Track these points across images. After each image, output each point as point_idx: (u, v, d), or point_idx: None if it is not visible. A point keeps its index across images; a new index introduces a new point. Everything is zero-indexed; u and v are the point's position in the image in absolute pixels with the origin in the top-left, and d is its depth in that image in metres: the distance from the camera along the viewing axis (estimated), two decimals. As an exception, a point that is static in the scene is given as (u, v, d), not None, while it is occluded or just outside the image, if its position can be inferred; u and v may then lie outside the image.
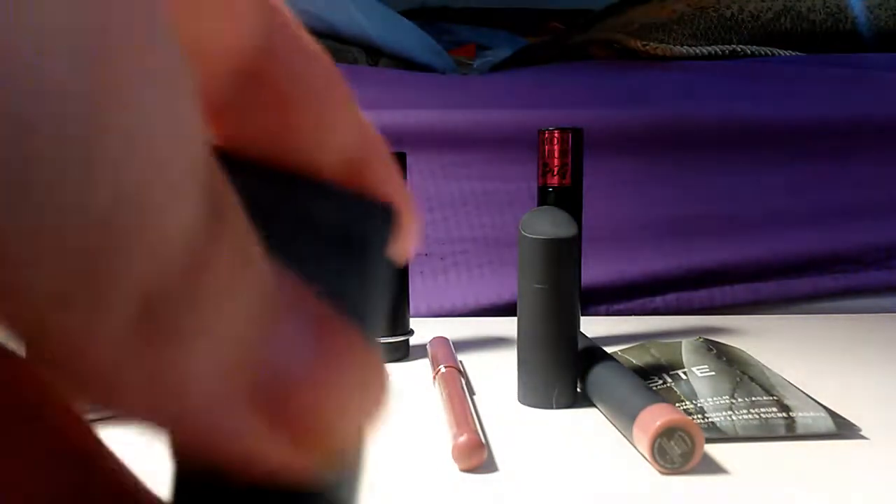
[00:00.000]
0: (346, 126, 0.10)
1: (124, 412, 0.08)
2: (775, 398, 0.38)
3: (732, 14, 0.91)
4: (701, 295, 0.68)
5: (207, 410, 0.08)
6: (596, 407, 0.40)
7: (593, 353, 0.41)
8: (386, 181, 0.11)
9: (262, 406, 0.08)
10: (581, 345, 0.42)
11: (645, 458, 0.33)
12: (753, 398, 0.38)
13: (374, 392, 0.09)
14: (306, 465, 0.08)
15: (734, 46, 0.90)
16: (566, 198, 0.48)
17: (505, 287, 0.66)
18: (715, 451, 0.34)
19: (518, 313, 0.40)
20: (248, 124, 0.10)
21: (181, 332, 0.07)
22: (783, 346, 0.53)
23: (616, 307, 0.67)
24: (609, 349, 0.50)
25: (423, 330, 0.57)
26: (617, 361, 0.40)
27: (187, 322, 0.07)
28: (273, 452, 0.08)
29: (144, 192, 0.07)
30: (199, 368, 0.07)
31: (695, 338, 0.48)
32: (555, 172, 0.48)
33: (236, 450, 0.08)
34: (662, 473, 0.32)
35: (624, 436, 0.36)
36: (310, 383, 0.08)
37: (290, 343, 0.08)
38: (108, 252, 0.06)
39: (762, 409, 0.37)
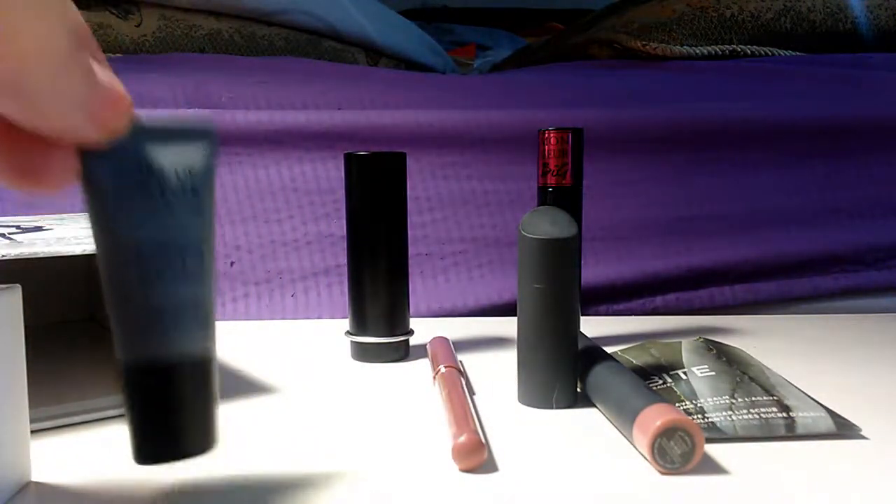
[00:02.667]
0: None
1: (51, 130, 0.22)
2: (775, 398, 0.38)
3: (732, 14, 0.91)
4: (701, 295, 0.68)
5: (71, 125, 0.22)
6: (596, 407, 0.40)
7: (593, 353, 0.41)
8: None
9: (90, 116, 0.22)
10: (581, 345, 0.42)
11: (645, 458, 0.33)
12: (753, 398, 0.38)
13: (123, 111, 0.23)
14: (106, 135, 0.23)
15: (734, 46, 0.90)
16: (566, 198, 0.48)
17: (505, 287, 0.66)
18: (715, 451, 0.34)
19: (518, 313, 0.40)
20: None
21: (56, 98, 0.21)
22: (783, 346, 0.53)
23: (616, 307, 0.67)
24: (609, 349, 0.50)
25: (423, 330, 0.57)
26: (617, 361, 0.40)
27: (57, 93, 0.21)
28: (95, 132, 0.23)
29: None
30: (67, 107, 0.21)
31: (695, 338, 0.48)
32: (555, 172, 0.48)
33: (85, 135, 0.23)
34: (662, 473, 0.32)
35: (624, 436, 0.36)
36: (103, 109, 0.23)
37: (98, 97, 0.22)
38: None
39: (762, 409, 0.37)
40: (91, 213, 0.27)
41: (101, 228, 0.27)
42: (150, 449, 0.28)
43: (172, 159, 0.28)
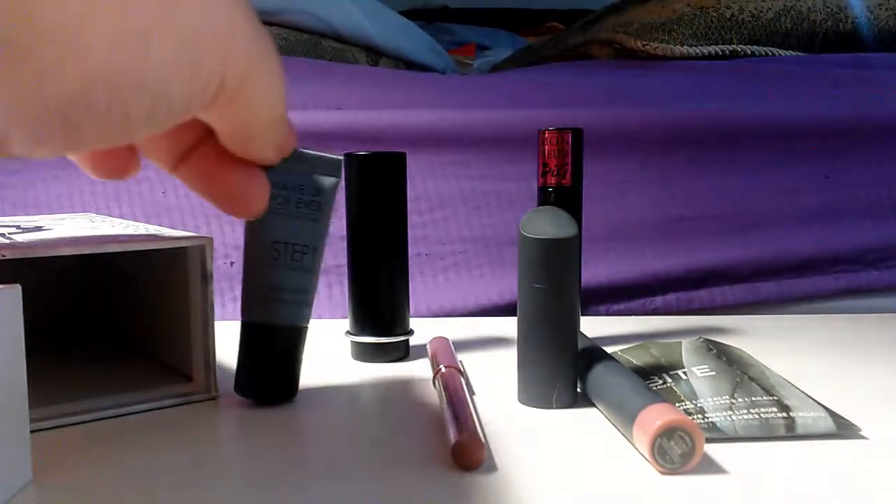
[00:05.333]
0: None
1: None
2: (775, 398, 0.38)
3: (732, 14, 0.91)
4: (701, 295, 0.68)
5: (266, 157, 0.29)
6: (596, 407, 0.40)
7: (593, 353, 0.41)
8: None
9: (278, 150, 0.29)
10: (581, 345, 0.42)
11: (645, 458, 0.33)
12: (753, 398, 0.38)
13: (294, 142, 0.31)
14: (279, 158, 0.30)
15: (734, 46, 0.90)
16: (566, 198, 0.48)
17: (505, 287, 0.66)
18: (715, 451, 0.34)
19: (518, 313, 0.40)
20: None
21: None
22: (783, 346, 0.53)
23: (616, 307, 0.67)
24: (609, 349, 0.50)
25: (423, 330, 0.57)
26: (617, 361, 0.40)
27: (266, 141, 0.29)
28: (276, 157, 0.30)
29: None
30: (270, 150, 0.29)
31: (695, 338, 0.48)
32: (555, 172, 0.48)
33: (268, 159, 0.30)
34: (662, 473, 0.32)
35: (624, 436, 0.36)
36: (286, 144, 0.30)
37: (287, 137, 0.30)
38: None
39: (762, 409, 0.37)
40: None
41: (251, 226, 0.39)
42: (244, 385, 0.40)
43: (307, 181, 0.40)
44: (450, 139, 0.68)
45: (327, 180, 0.40)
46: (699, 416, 0.37)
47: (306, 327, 0.41)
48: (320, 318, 0.64)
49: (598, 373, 0.39)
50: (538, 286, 0.39)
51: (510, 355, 0.51)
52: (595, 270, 0.66)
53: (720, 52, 0.89)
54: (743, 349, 0.48)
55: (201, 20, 0.21)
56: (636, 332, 0.57)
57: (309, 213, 0.40)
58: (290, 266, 0.39)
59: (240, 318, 0.40)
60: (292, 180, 0.39)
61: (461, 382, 0.40)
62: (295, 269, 0.40)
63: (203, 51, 0.21)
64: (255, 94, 0.24)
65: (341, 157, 0.41)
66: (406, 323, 0.51)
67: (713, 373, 0.41)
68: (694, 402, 0.38)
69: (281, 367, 0.40)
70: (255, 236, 0.39)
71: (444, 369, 0.42)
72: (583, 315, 0.62)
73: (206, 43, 0.21)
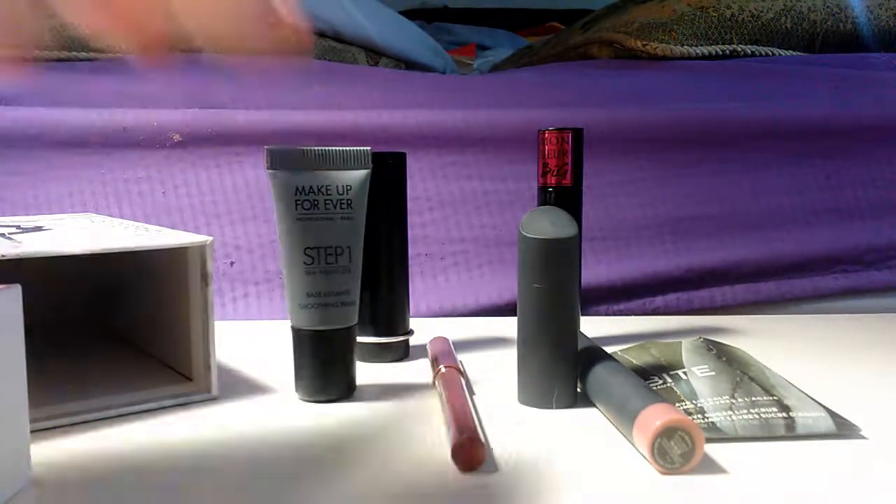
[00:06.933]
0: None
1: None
2: (775, 398, 0.38)
3: (732, 14, 0.91)
4: (701, 295, 0.68)
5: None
6: (596, 407, 0.40)
7: (593, 353, 0.41)
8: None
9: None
10: (581, 345, 0.42)
11: (645, 458, 0.33)
12: (753, 398, 0.38)
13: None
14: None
15: (734, 46, 0.90)
16: (566, 198, 0.48)
17: (505, 287, 0.66)
18: (715, 451, 0.34)
19: (518, 313, 0.40)
20: None
21: None
22: (783, 346, 0.53)
23: (616, 307, 0.67)
24: (609, 349, 0.50)
25: (423, 330, 0.57)
26: (617, 361, 0.40)
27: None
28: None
29: None
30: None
31: (695, 338, 0.48)
32: (555, 172, 0.48)
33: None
34: (662, 473, 0.32)
35: (624, 436, 0.36)
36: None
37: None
38: None
39: (762, 409, 0.37)
40: (277, 219, 0.39)
41: (282, 230, 0.39)
42: (303, 388, 0.41)
43: (333, 180, 0.39)
44: (450, 139, 0.68)
45: (356, 174, 0.40)
46: (699, 416, 0.37)
47: (354, 326, 0.41)
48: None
49: (598, 373, 0.39)
50: (538, 286, 0.39)
51: (510, 355, 0.51)
52: (595, 270, 0.66)
53: (720, 52, 0.89)
54: (743, 349, 0.48)
55: None
56: (636, 332, 0.57)
57: (339, 213, 0.40)
58: (325, 270, 0.39)
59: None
60: (318, 182, 0.39)
61: (461, 382, 0.40)
62: (331, 272, 0.40)
63: None
64: None
65: (368, 148, 0.41)
66: (406, 323, 0.51)
67: (713, 373, 0.41)
68: (694, 402, 0.38)
69: (334, 369, 0.41)
70: (287, 245, 0.39)
71: (444, 369, 0.42)
72: (583, 315, 0.62)
73: None
